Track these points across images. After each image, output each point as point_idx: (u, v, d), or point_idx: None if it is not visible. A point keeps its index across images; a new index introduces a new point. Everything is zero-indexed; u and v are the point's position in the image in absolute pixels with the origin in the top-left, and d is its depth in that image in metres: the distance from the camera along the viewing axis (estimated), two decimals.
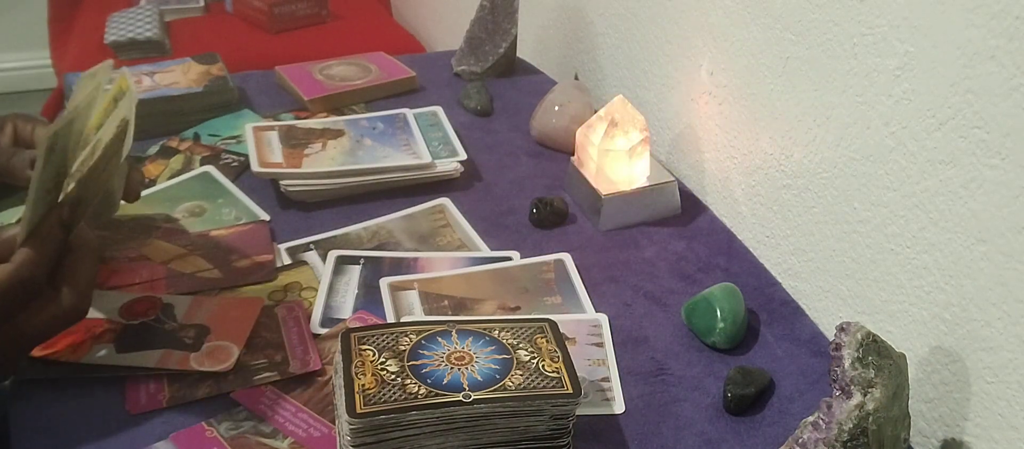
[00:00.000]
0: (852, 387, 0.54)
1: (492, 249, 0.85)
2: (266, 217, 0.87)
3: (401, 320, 0.74)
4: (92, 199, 0.65)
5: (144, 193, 0.89)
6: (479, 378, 0.58)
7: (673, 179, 0.92)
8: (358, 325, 0.72)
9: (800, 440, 0.55)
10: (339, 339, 0.60)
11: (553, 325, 0.64)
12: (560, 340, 0.63)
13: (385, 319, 0.74)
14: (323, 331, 0.73)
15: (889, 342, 0.58)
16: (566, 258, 0.84)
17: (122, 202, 0.80)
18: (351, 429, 0.54)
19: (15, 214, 0.75)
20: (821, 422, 0.55)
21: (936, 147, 0.65)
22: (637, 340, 0.75)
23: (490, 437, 0.58)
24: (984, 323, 0.63)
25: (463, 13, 1.42)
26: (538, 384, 0.58)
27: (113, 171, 0.67)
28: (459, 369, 0.58)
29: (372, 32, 1.87)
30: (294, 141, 0.96)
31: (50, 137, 0.58)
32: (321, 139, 0.97)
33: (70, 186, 0.62)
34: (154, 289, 0.76)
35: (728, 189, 0.94)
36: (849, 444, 0.54)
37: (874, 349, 0.56)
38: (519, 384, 0.58)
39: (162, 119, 1.02)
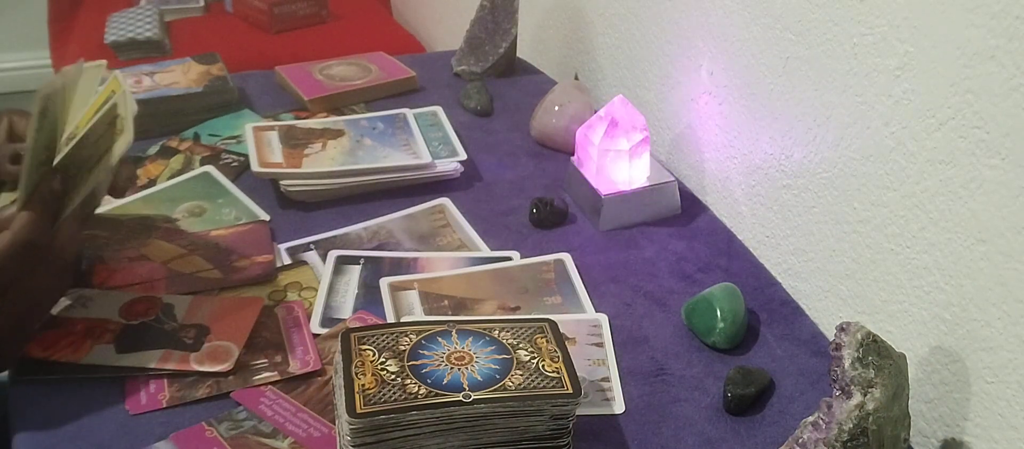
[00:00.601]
0: (852, 387, 0.54)
1: (492, 249, 0.85)
2: (266, 217, 0.87)
3: (401, 320, 0.74)
4: (80, 181, 0.65)
5: (144, 193, 0.90)
6: (479, 378, 0.58)
7: (673, 179, 0.92)
8: (358, 325, 0.72)
9: (800, 440, 0.55)
10: (339, 339, 0.60)
11: (553, 325, 0.64)
12: (560, 340, 0.63)
13: (385, 319, 0.74)
14: (323, 331, 0.73)
15: (889, 342, 0.58)
16: (566, 258, 0.84)
17: (117, 201, 0.80)
18: (351, 429, 0.54)
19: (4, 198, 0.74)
20: (821, 422, 0.55)
21: (936, 147, 0.65)
22: (637, 340, 0.75)
23: (490, 437, 0.58)
24: (984, 323, 0.63)
25: (463, 13, 1.42)
26: (538, 384, 0.58)
27: (100, 161, 0.67)
28: (459, 369, 0.58)
29: (372, 32, 1.86)
30: (294, 141, 0.96)
31: (42, 100, 0.58)
32: (321, 139, 0.97)
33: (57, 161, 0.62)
34: (154, 289, 0.75)
35: (728, 189, 0.94)
36: (849, 444, 0.54)
37: (874, 349, 0.56)
38: (519, 384, 0.58)
39: (162, 119, 1.02)
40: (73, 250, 0.68)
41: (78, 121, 0.66)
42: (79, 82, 0.68)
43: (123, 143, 0.65)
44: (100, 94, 0.67)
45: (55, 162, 0.64)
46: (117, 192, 0.76)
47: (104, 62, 0.70)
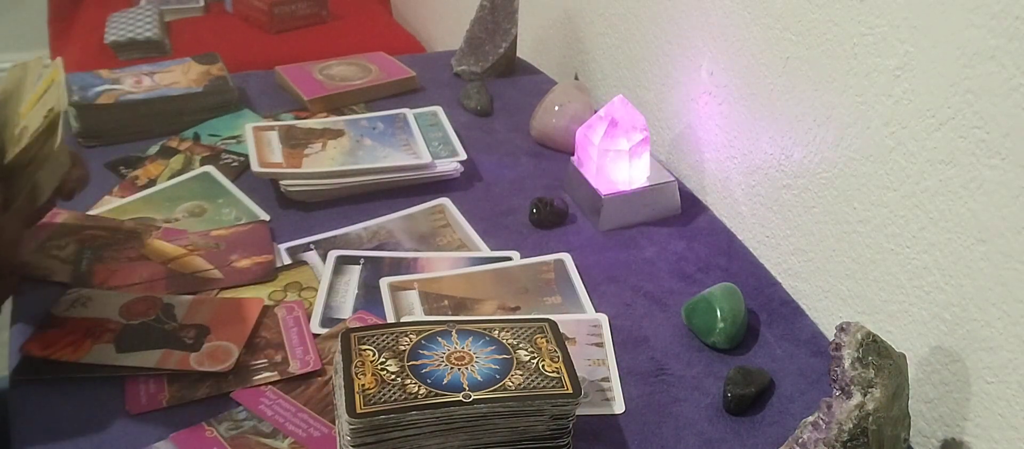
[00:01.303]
0: (852, 387, 0.54)
1: (492, 249, 0.85)
2: (266, 217, 0.87)
3: (401, 320, 0.74)
4: (23, 182, 0.64)
5: (144, 193, 0.90)
6: (479, 378, 0.58)
7: (673, 179, 0.92)
8: (358, 325, 0.72)
9: (800, 440, 0.55)
10: (339, 339, 0.60)
11: (553, 325, 0.64)
12: (560, 340, 0.63)
13: (385, 319, 0.74)
14: (323, 331, 0.73)
15: (889, 342, 0.58)
16: (566, 258, 0.84)
17: (118, 200, 0.80)
18: (351, 429, 0.54)
19: None
20: (821, 422, 0.55)
21: (936, 147, 0.65)
22: (637, 340, 0.75)
23: (490, 437, 0.58)
24: (984, 323, 0.63)
25: (463, 13, 1.42)
26: (538, 384, 0.58)
27: (43, 160, 0.66)
28: (459, 369, 0.58)
29: (372, 32, 1.87)
30: (294, 141, 0.96)
31: None
32: (321, 139, 0.97)
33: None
34: (154, 289, 0.76)
35: (728, 189, 0.94)
36: (849, 444, 0.54)
37: (874, 349, 0.56)
38: (519, 384, 0.58)
39: (162, 119, 1.02)
40: (17, 250, 0.68)
41: (27, 115, 0.65)
42: (25, 80, 0.68)
43: (58, 135, 0.64)
44: (41, 83, 0.66)
45: (6, 160, 0.63)
46: (65, 194, 0.73)
47: (41, 55, 0.70)
